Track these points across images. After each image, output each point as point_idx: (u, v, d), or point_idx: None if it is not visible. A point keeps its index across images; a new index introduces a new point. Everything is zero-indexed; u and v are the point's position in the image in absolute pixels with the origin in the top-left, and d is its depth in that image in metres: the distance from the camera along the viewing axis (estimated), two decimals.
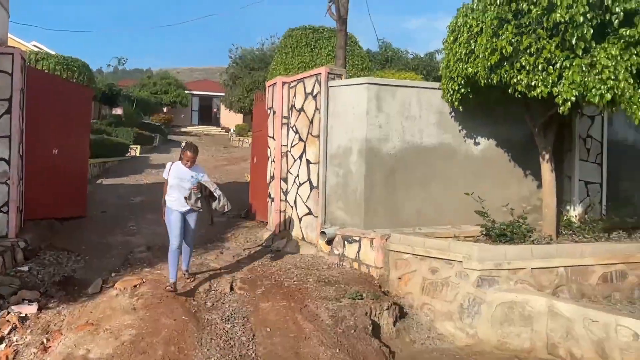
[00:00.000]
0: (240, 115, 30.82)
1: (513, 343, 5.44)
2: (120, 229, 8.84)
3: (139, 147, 21.38)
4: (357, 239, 6.94)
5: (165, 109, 34.57)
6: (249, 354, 4.77)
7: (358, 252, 6.92)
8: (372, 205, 7.17)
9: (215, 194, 5.84)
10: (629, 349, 4.88)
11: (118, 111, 28.15)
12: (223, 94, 31.22)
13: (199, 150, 6.04)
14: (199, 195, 5.74)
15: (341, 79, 7.65)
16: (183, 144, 6.09)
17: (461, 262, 5.80)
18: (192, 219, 5.96)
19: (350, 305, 5.69)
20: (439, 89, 7.26)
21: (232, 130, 30.60)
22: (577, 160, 7.92)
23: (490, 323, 5.54)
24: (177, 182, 5.78)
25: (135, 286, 5.86)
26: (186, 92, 35.34)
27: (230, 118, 33.93)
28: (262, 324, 5.26)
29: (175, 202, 5.80)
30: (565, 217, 7.48)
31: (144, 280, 6.04)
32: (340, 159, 7.41)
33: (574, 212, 7.76)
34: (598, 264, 5.96)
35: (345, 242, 7.09)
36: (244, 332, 5.09)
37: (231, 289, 6.04)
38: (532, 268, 5.73)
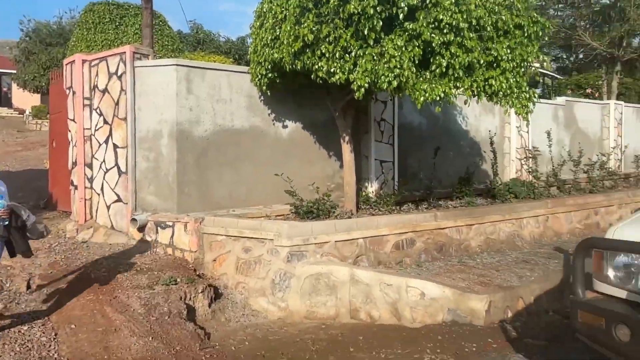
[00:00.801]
0: (38, 96, 27.67)
1: (320, 312, 5.85)
2: None
3: None
4: (171, 224, 6.82)
5: None
6: (51, 354, 4.44)
7: (172, 237, 6.80)
8: (185, 189, 7.09)
9: (28, 222, 4.38)
10: (417, 306, 5.58)
11: None
12: (15, 71, 27.65)
13: None
14: (6, 223, 4.25)
15: (148, 59, 7.37)
16: None
17: (272, 240, 6.06)
18: None
19: (164, 291, 5.59)
20: (248, 73, 7.40)
21: (27, 112, 27.35)
22: (373, 141, 8.69)
23: (299, 295, 5.90)
24: None
25: None
26: None
27: (24, 98, 30.18)
28: (66, 321, 4.92)
29: None
30: (364, 193, 8.21)
31: None
32: (151, 142, 7.16)
33: (371, 188, 8.56)
34: (391, 233, 6.66)
35: (158, 228, 6.92)
36: (44, 332, 4.71)
37: (28, 287, 5.52)
38: (335, 241, 6.20)
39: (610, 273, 3.25)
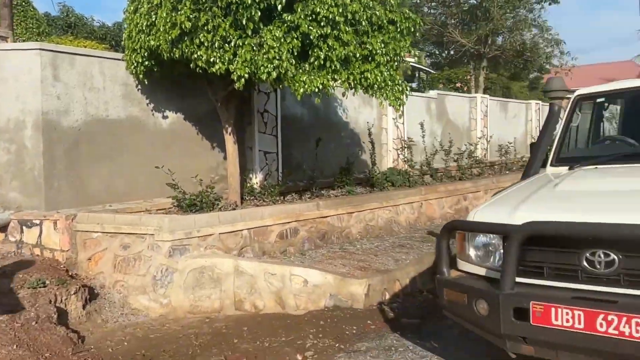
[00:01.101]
0: None
1: (204, 305, 5.77)
2: None
3: None
4: (38, 222, 6.32)
5: None
6: None
7: (40, 236, 6.31)
8: (55, 184, 6.60)
9: None
10: (301, 293, 5.69)
11: None
12: None
13: None
14: None
15: (7, 42, 6.75)
16: None
17: (153, 234, 5.85)
18: None
19: (31, 295, 5.19)
20: (123, 60, 7.03)
21: None
22: (257, 132, 8.65)
23: (183, 290, 5.76)
24: None
25: None
26: None
27: None
28: None
29: None
30: (248, 184, 8.17)
31: None
32: (12, 133, 6.57)
33: (256, 179, 8.54)
34: (275, 223, 6.71)
35: (24, 227, 6.39)
36: None
37: None
38: (219, 233, 6.13)
39: (472, 252, 3.51)
